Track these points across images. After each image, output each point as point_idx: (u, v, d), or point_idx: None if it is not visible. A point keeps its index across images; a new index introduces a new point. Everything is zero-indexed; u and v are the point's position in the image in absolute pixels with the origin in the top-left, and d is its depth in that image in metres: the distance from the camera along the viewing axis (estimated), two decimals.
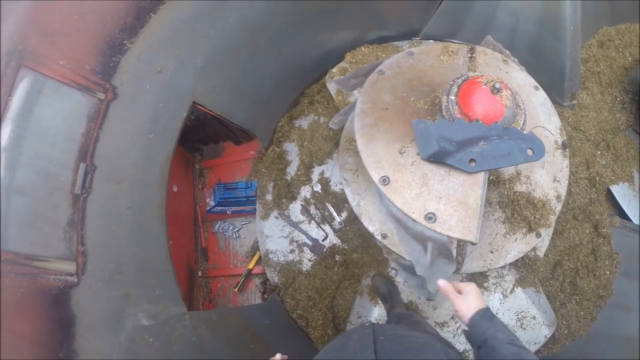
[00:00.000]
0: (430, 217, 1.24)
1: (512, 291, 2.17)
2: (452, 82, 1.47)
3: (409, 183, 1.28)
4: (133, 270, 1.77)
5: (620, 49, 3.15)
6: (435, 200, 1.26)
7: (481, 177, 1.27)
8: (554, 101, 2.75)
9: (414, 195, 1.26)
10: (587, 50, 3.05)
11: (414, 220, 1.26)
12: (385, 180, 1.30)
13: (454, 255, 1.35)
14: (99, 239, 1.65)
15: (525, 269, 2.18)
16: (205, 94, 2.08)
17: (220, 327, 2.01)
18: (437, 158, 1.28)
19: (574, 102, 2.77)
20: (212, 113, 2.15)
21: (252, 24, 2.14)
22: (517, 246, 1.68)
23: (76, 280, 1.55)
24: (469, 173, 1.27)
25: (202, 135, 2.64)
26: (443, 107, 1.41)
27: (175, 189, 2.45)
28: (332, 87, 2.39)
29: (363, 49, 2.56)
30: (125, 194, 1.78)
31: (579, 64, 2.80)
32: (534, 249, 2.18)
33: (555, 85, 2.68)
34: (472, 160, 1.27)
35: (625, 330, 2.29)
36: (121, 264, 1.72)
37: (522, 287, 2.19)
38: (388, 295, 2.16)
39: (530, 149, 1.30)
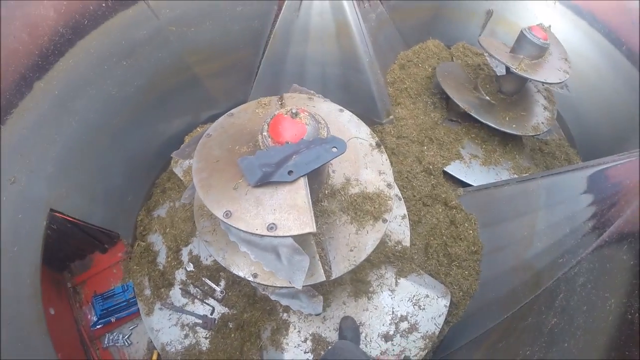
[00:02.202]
0: (272, 227, 1.54)
1: (396, 284, 2.52)
2: (263, 123, 1.86)
3: (247, 208, 1.59)
4: None
5: (419, 65, 4.02)
6: (271, 213, 1.57)
7: (302, 181, 1.63)
8: (373, 121, 3.40)
9: (253, 216, 1.57)
10: (392, 74, 3.84)
11: (260, 235, 1.54)
12: (227, 214, 1.58)
13: (304, 251, 1.65)
14: None
15: (400, 261, 2.56)
16: (61, 200, 2.23)
17: None
18: (263, 180, 1.62)
19: (391, 117, 3.44)
20: (70, 218, 2.27)
21: (93, 125, 2.40)
22: (371, 236, 2.03)
23: None
24: (291, 182, 1.62)
25: (67, 252, 2.68)
26: (260, 144, 1.78)
27: (52, 312, 2.42)
28: (178, 171, 2.69)
29: (198, 130, 2.94)
30: None
31: (384, 87, 3.52)
32: (399, 242, 2.59)
33: (370, 110, 3.33)
34: (290, 171, 1.63)
35: (508, 264, 2.68)
36: None
37: (404, 277, 2.55)
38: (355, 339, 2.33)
39: (334, 147, 1.70)
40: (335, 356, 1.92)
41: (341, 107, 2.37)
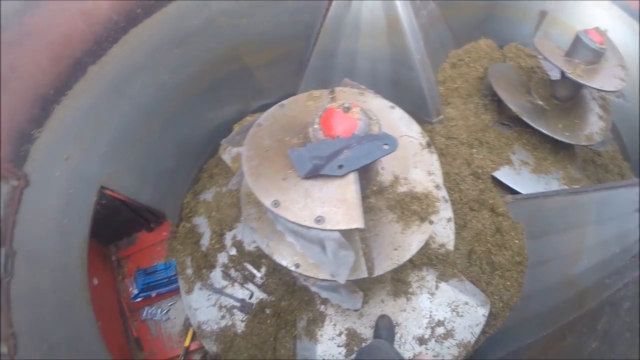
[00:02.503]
0: (319, 219, 1.52)
1: (437, 287, 2.46)
2: (314, 116, 1.84)
3: (295, 199, 1.57)
4: (65, 351, 1.85)
5: (471, 65, 3.88)
6: (319, 206, 1.55)
7: (352, 176, 1.60)
8: (423, 120, 3.32)
9: (301, 207, 1.55)
10: (443, 73, 3.73)
11: (308, 227, 1.52)
12: (276, 203, 1.57)
13: (350, 246, 1.62)
14: (27, 320, 1.73)
15: (442, 265, 2.49)
16: (112, 178, 2.31)
17: None
18: (313, 173, 1.60)
19: (441, 117, 3.34)
20: (120, 196, 2.35)
21: (146, 110, 2.47)
22: (417, 237, 1.99)
23: None
24: (341, 176, 1.59)
25: (115, 228, 2.79)
26: (311, 136, 1.76)
27: (95, 282, 2.52)
28: (226, 157, 2.73)
29: (248, 119, 2.96)
30: (48, 277, 1.90)
31: (435, 85, 3.42)
32: (443, 245, 2.52)
33: (420, 107, 3.24)
34: (340, 166, 1.60)
35: (552, 279, 2.59)
36: (53, 345, 1.80)
37: (445, 281, 2.48)
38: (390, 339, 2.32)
39: (386, 144, 1.65)
40: (372, 355, 1.88)
41: (392, 104, 2.31)
